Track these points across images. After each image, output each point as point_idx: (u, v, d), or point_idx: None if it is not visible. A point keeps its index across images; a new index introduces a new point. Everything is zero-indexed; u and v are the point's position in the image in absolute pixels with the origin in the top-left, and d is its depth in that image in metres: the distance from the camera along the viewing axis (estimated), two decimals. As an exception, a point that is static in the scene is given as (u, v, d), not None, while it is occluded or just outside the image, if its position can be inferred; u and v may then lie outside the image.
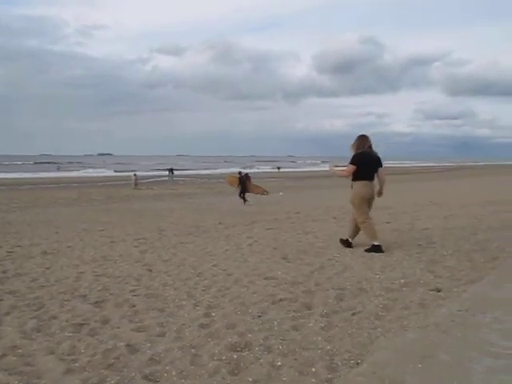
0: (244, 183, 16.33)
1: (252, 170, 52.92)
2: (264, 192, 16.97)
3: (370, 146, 6.03)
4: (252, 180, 17.03)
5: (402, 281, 4.42)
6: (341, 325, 3.35)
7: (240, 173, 17.25)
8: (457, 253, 5.60)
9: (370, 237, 6.01)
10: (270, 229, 8.54)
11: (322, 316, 3.56)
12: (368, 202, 6.05)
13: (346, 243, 6.29)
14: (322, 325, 3.36)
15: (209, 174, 51.01)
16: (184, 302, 4.07)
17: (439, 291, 4.06)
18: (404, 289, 4.20)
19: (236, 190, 16.49)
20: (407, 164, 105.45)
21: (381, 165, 6.11)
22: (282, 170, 65.26)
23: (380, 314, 3.55)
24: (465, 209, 10.87)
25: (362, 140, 6.03)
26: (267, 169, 69.79)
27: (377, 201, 6.30)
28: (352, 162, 5.95)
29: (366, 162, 5.92)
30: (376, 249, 5.84)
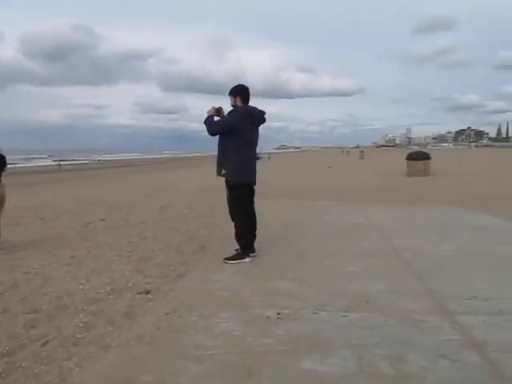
0: None
1: None
2: None
3: None
4: None
5: (109, 288, 3.94)
6: (26, 364, 2.63)
7: None
8: (167, 246, 5.51)
9: None
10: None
11: (3, 356, 2.76)
12: None
13: None
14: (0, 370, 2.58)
15: None
16: None
17: (148, 293, 3.77)
18: (111, 297, 3.74)
19: None
20: (131, 156, 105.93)
21: (5, 164, 6.14)
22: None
23: (79, 336, 2.98)
24: (181, 198, 11.25)
25: None
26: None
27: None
28: None
29: None
30: None
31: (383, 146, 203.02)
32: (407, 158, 19.59)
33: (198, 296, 3.58)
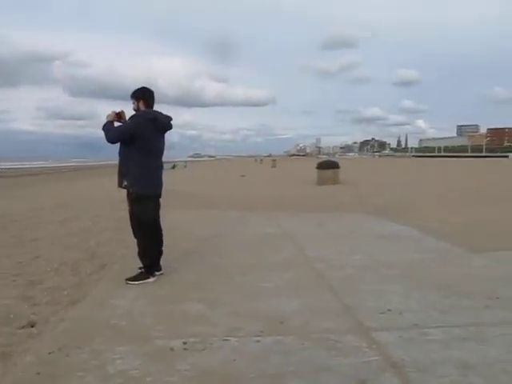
0: None
1: None
2: None
3: None
4: None
5: (-15, 322, 3.34)
6: None
7: None
8: (63, 266, 4.88)
9: None
10: None
11: None
12: None
13: None
14: None
15: None
16: None
17: (33, 326, 3.22)
18: (-15, 333, 3.14)
19: None
20: (35, 164, 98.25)
21: None
22: None
23: None
24: (85, 210, 10.39)
25: None
26: None
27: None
28: None
29: None
30: None
31: (295, 154, 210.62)
32: (317, 167, 20.09)
33: (91, 327, 3.10)
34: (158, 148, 4.31)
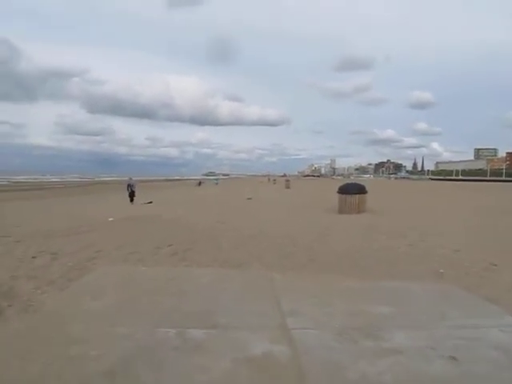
0: None
1: None
2: None
3: None
4: None
5: None
6: None
7: None
8: None
9: None
10: None
11: None
12: None
13: None
14: None
15: None
16: None
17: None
18: None
19: None
20: (52, 178, 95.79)
21: None
22: None
23: None
24: None
25: None
26: None
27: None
28: None
29: None
30: None
31: (309, 175, 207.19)
32: (339, 192, 16.08)
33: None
34: None
